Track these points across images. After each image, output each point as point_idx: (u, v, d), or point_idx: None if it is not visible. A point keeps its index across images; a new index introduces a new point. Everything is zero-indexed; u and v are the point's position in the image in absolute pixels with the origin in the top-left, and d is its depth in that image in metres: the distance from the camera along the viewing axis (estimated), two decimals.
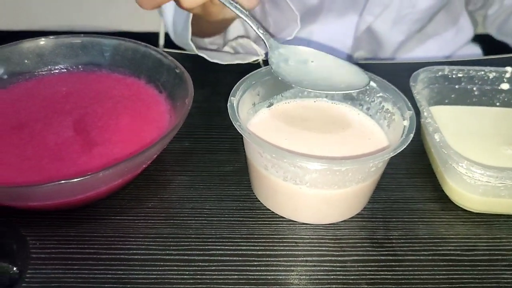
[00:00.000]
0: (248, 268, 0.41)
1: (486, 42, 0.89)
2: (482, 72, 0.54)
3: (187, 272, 0.40)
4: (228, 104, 0.43)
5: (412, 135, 0.42)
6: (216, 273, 0.40)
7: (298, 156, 0.39)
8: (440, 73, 0.54)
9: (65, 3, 1.44)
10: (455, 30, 0.85)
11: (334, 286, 0.40)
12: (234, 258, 0.42)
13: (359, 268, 0.41)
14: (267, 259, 0.42)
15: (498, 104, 0.56)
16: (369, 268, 0.41)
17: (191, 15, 0.60)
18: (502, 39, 0.85)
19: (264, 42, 0.49)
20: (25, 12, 1.31)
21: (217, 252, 0.42)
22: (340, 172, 0.40)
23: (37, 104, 0.50)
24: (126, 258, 0.41)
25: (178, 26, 0.67)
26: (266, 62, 0.64)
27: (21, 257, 0.40)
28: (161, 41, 0.99)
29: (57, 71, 0.54)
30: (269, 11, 0.66)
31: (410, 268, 0.41)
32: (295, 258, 0.42)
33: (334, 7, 0.78)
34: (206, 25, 0.65)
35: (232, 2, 0.49)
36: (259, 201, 0.47)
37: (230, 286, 0.40)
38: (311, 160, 0.39)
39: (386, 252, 0.43)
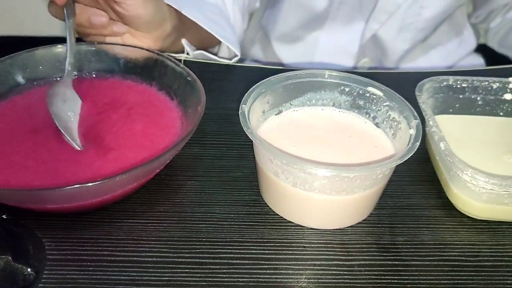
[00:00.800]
0: (257, 271, 0.42)
1: (488, 52, 0.91)
2: (486, 83, 0.56)
3: (198, 275, 0.41)
4: (240, 111, 0.45)
5: (418, 143, 0.43)
6: (227, 276, 0.41)
7: (308, 162, 0.40)
8: (445, 83, 0.55)
9: None
10: (458, 41, 0.87)
11: None
12: (244, 262, 0.43)
13: (366, 272, 0.42)
14: (276, 262, 0.43)
15: (501, 114, 0.57)
16: (376, 273, 0.42)
17: None
18: (503, 52, 0.87)
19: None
20: (34, 18, 1.32)
21: (228, 255, 0.43)
22: (349, 179, 0.41)
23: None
24: (139, 260, 0.42)
25: None
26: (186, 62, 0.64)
27: (37, 259, 0.41)
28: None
29: None
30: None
31: (416, 273, 0.42)
32: (303, 262, 0.43)
33: (340, 15, 0.79)
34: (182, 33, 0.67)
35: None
36: (268, 206, 0.48)
37: None
38: (321, 166, 0.40)
39: (392, 257, 0.44)
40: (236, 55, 0.70)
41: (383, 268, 0.43)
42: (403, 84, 0.54)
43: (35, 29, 1.32)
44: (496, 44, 0.87)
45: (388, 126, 0.49)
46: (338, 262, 0.43)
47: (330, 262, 0.43)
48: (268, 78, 0.49)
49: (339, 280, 0.42)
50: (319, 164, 0.41)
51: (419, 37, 0.82)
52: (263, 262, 0.43)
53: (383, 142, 0.49)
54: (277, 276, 0.42)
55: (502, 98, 0.56)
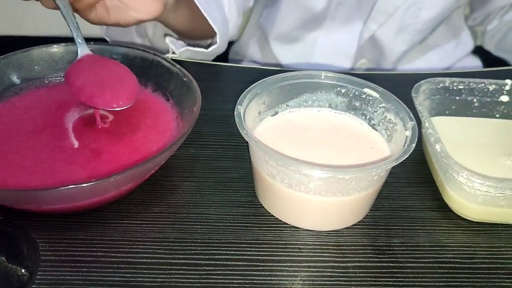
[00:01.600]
0: (252, 272, 0.42)
1: (485, 54, 0.91)
2: (482, 84, 0.56)
3: (193, 276, 0.41)
4: (235, 112, 0.45)
5: (414, 145, 0.43)
6: (221, 277, 0.41)
7: (303, 164, 0.40)
8: (441, 84, 0.55)
9: None
10: (455, 42, 0.87)
11: None
12: (239, 263, 0.43)
13: (361, 274, 0.42)
14: (271, 264, 0.43)
15: (497, 115, 0.57)
16: (371, 274, 0.42)
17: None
18: (500, 55, 0.87)
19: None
20: (31, 18, 1.32)
21: (223, 256, 0.43)
22: (344, 180, 0.41)
23: (52, 110, 0.51)
24: (134, 261, 0.42)
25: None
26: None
27: (31, 259, 0.41)
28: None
29: None
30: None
31: (411, 275, 0.42)
32: (299, 264, 0.43)
33: (338, 15, 0.79)
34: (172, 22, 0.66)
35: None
36: (263, 207, 0.48)
37: None
38: (316, 168, 0.40)
39: (388, 259, 0.44)
40: (215, 42, 0.69)
41: (378, 270, 0.43)
42: (400, 86, 0.54)
43: (33, 28, 1.32)
44: (493, 47, 0.87)
45: (384, 128, 0.49)
46: (333, 264, 0.43)
47: (325, 264, 0.43)
48: (264, 79, 0.49)
49: (334, 282, 0.42)
50: (314, 165, 0.41)
51: (417, 39, 0.82)
52: (258, 263, 0.43)
53: (379, 143, 0.49)
54: (272, 278, 0.42)
55: (499, 100, 0.56)
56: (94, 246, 0.43)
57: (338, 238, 0.45)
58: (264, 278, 0.42)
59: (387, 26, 0.78)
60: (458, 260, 0.44)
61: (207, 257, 0.43)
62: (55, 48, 0.54)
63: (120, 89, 0.48)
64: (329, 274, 0.42)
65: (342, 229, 0.46)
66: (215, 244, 0.44)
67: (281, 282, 0.41)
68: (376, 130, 0.50)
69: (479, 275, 0.43)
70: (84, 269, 0.41)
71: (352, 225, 0.47)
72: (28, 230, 0.43)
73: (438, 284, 0.42)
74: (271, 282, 0.41)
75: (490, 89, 0.56)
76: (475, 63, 0.90)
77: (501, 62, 0.86)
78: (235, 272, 0.42)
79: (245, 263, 0.43)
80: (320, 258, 0.44)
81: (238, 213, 0.47)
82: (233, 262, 0.43)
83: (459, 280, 0.42)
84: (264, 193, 0.47)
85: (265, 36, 0.87)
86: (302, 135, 0.49)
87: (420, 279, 0.42)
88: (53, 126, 0.49)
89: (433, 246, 0.45)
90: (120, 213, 0.46)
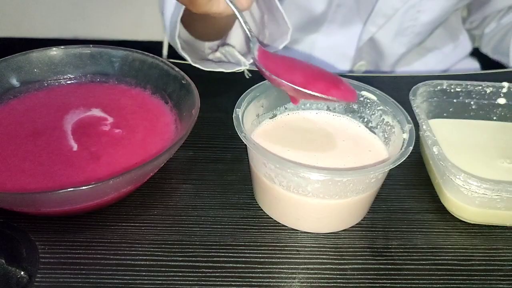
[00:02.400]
0: (251, 275, 0.42)
1: (483, 56, 0.91)
2: (480, 87, 0.56)
3: (191, 278, 0.41)
4: (234, 115, 0.45)
5: (411, 147, 0.43)
6: (220, 279, 0.41)
7: (301, 166, 0.41)
8: (439, 87, 0.55)
9: (69, 12, 1.46)
10: (453, 45, 0.87)
11: None
12: (237, 265, 0.43)
13: (359, 276, 0.43)
14: (270, 266, 0.43)
15: (495, 118, 0.57)
16: (369, 276, 0.43)
17: (182, 10, 0.61)
18: (497, 58, 0.87)
19: (250, 38, 0.49)
20: (29, 20, 1.32)
21: (221, 259, 0.43)
22: (342, 183, 0.41)
23: (51, 113, 0.51)
24: (133, 263, 0.42)
25: (171, 23, 0.68)
26: (251, 72, 0.65)
27: (30, 262, 0.41)
28: (165, 51, 1.00)
29: (66, 80, 0.56)
30: (267, 23, 0.68)
31: (409, 277, 0.43)
32: (297, 266, 0.43)
33: (338, 17, 0.80)
34: (201, 24, 0.65)
35: None
36: (261, 209, 0.48)
37: None
38: (314, 170, 0.40)
39: (385, 261, 0.44)
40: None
41: (376, 272, 0.43)
42: (398, 88, 0.54)
43: (31, 31, 1.32)
44: (490, 50, 0.88)
45: (382, 130, 0.49)
46: (331, 266, 0.43)
47: (323, 266, 0.43)
48: (262, 82, 0.49)
49: (332, 284, 0.42)
50: (312, 168, 0.41)
51: (416, 41, 0.82)
52: (256, 265, 0.43)
53: (377, 146, 0.49)
54: (270, 280, 0.42)
55: (496, 102, 0.56)
56: (93, 249, 0.43)
57: (336, 240, 0.45)
58: (263, 280, 0.42)
59: (386, 29, 0.79)
60: (456, 262, 0.44)
61: (205, 259, 0.43)
62: (55, 51, 0.55)
63: (340, 82, 0.46)
64: (327, 276, 0.42)
65: (340, 231, 0.46)
66: (214, 246, 0.44)
67: (279, 284, 0.42)
68: (374, 132, 0.50)
69: (476, 277, 0.43)
70: (83, 271, 0.41)
71: (350, 227, 0.47)
72: (27, 232, 0.44)
73: (435, 286, 0.42)
74: (269, 284, 0.42)
75: (487, 92, 0.56)
76: (473, 66, 0.90)
77: (498, 64, 0.86)
78: (233, 274, 0.42)
79: (244, 265, 0.43)
80: (318, 260, 0.44)
81: (237, 215, 0.47)
82: (231, 264, 0.43)
83: (457, 282, 0.43)
84: (262, 196, 0.47)
85: None
86: (300, 138, 0.49)
87: (417, 281, 0.42)
88: (52, 129, 0.49)
89: (430, 248, 0.45)
90: (119, 215, 0.46)
